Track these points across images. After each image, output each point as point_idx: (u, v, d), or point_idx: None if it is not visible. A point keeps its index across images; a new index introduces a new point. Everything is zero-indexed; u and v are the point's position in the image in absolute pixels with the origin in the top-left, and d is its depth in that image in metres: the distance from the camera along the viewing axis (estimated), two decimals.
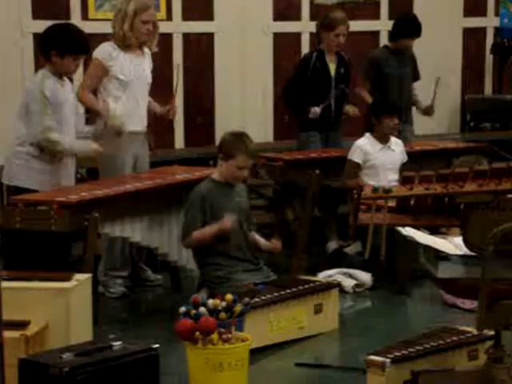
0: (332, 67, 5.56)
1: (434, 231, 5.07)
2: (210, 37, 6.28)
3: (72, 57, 4.19)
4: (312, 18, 6.41)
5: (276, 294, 3.97)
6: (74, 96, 4.45)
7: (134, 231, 4.28)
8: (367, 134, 5.24)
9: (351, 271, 4.89)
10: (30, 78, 4.37)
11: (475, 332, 3.49)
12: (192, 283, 4.49)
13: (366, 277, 4.85)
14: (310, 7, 6.49)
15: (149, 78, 4.83)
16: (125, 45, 4.66)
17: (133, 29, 4.64)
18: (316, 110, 5.47)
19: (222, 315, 3.31)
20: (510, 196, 4.53)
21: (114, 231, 4.20)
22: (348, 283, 4.79)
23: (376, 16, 6.80)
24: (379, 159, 5.15)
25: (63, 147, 4.24)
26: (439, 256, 4.80)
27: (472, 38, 7.20)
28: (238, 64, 6.39)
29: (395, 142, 5.27)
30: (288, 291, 4.02)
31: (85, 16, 5.82)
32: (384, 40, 6.55)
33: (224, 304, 3.35)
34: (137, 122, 4.74)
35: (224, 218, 4.04)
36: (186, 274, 4.71)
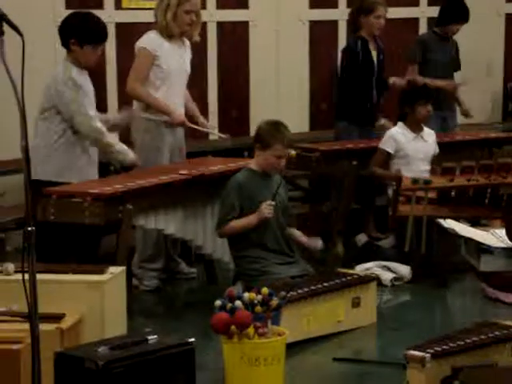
0: (374, 54, 5.51)
1: (475, 223, 4.99)
2: (244, 25, 6.24)
3: (91, 45, 4.17)
4: (349, 5, 6.34)
5: (313, 288, 3.93)
6: (93, 89, 4.38)
7: (168, 223, 4.26)
8: (400, 123, 5.16)
9: (389, 264, 4.83)
10: (52, 72, 4.33)
11: None
12: (227, 276, 4.46)
13: (404, 270, 4.79)
14: None
15: (188, 69, 4.82)
16: (168, 34, 4.64)
17: (176, 19, 4.61)
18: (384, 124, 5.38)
19: (258, 309, 3.28)
20: None
21: (147, 223, 4.18)
22: (386, 276, 4.74)
23: (415, 2, 6.69)
24: (411, 149, 5.08)
25: (107, 141, 4.23)
26: (481, 249, 4.74)
27: None
28: (273, 53, 6.36)
29: (428, 133, 5.19)
30: (325, 284, 3.98)
31: (118, 5, 5.82)
32: (423, 27, 6.45)
33: (260, 297, 3.31)
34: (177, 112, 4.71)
35: (262, 205, 3.98)
36: (220, 267, 4.69)
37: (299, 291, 3.86)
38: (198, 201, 4.42)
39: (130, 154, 4.38)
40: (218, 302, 3.27)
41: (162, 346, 2.97)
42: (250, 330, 3.20)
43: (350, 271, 4.32)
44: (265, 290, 3.34)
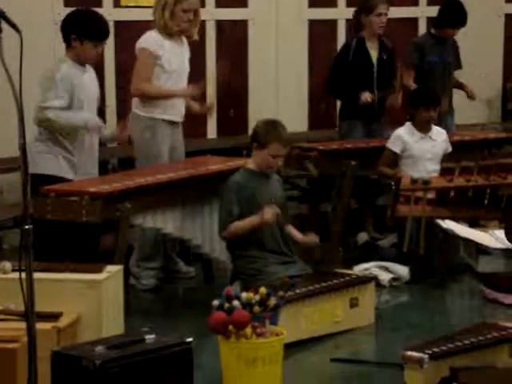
0: (373, 54, 5.49)
1: (474, 224, 4.98)
2: (243, 24, 6.23)
3: (92, 43, 4.18)
4: (348, 4, 6.32)
5: (311, 288, 3.93)
6: (96, 85, 4.40)
7: (167, 222, 4.26)
8: (407, 123, 5.15)
9: (388, 264, 4.83)
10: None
11: None
12: (225, 275, 4.45)
13: (403, 270, 4.79)
14: None
15: (187, 68, 4.81)
16: (167, 33, 4.63)
17: (173, 17, 4.60)
18: (366, 94, 5.35)
19: (256, 309, 3.28)
20: None
21: (146, 222, 4.18)
22: (384, 277, 4.74)
23: (415, 2, 6.68)
24: (418, 149, 5.06)
25: (60, 123, 4.16)
26: (480, 249, 4.74)
27: None
28: (272, 52, 6.35)
29: (437, 132, 5.17)
30: (323, 284, 3.98)
31: (117, 3, 5.81)
32: (423, 27, 6.44)
33: (258, 297, 3.31)
34: (175, 112, 4.71)
35: (264, 209, 3.97)
36: (218, 266, 4.69)
37: (297, 291, 3.86)
38: (197, 200, 4.41)
39: (91, 119, 4.28)
40: (215, 302, 3.27)
41: (160, 346, 2.96)
42: (248, 330, 3.20)
43: (349, 271, 4.33)
44: (263, 289, 3.33)
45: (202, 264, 4.86)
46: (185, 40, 4.79)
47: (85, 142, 4.29)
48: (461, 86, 5.89)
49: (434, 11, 5.98)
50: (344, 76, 5.41)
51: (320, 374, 3.61)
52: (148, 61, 4.61)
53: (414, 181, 4.58)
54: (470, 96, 5.88)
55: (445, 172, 4.70)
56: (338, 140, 5.53)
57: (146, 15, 4.97)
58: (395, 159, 5.06)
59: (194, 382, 3.03)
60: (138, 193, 4.05)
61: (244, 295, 3.29)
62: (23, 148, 2.46)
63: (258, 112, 6.07)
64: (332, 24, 6.42)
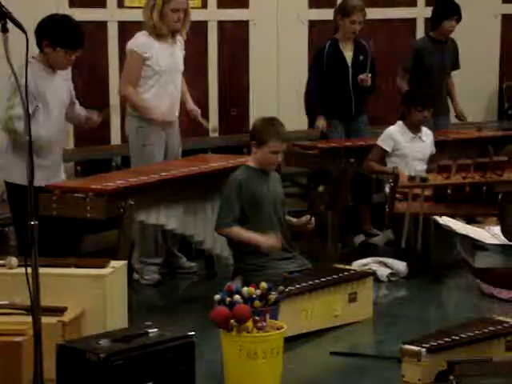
0: (348, 55, 5.48)
1: (470, 220, 5.02)
2: (244, 25, 6.27)
3: (64, 50, 4.01)
4: None
5: (311, 283, 3.96)
6: (68, 85, 4.22)
7: (169, 219, 4.29)
8: (399, 122, 5.19)
9: (386, 260, 4.86)
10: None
11: None
12: (226, 271, 4.48)
13: (400, 266, 4.82)
14: None
15: (181, 67, 4.81)
16: (156, 34, 4.63)
17: (162, 18, 4.59)
18: (319, 125, 5.37)
19: (257, 303, 3.31)
20: None
21: (149, 219, 4.21)
22: (383, 272, 4.77)
23: (413, 3, 6.72)
24: (409, 149, 5.10)
25: (21, 134, 3.81)
26: (476, 245, 4.77)
27: (510, 25, 7.09)
28: (272, 52, 6.38)
29: (426, 133, 5.22)
30: (323, 280, 4.02)
31: (120, 4, 5.84)
32: (421, 28, 6.47)
33: (259, 292, 3.35)
34: (169, 111, 4.73)
35: (270, 237, 4.00)
36: (220, 262, 4.71)
37: (297, 286, 3.89)
38: (199, 197, 4.44)
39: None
40: (217, 297, 3.31)
41: (163, 339, 3.00)
42: (249, 324, 3.23)
43: (347, 267, 4.36)
44: (263, 284, 3.37)
45: (204, 260, 4.89)
46: (179, 39, 4.77)
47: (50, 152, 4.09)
48: (453, 102, 5.88)
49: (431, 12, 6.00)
50: (320, 79, 5.40)
51: (319, 367, 3.65)
52: (135, 63, 4.62)
53: (411, 178, 4.63)
54: (459, 117, 5.87)
55: (442, 169, 4.74)
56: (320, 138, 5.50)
57: None
58: (383, 157, 5.11)
59: (196, 374, 3.07)
60: (142, 190, 4.07)
61: (245, 290, 3.33)
62: (29, 145, 2.49)
63: (258, 111, 6.11)
64: (331, 24, 6.47)
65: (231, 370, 3.29)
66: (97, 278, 3.46)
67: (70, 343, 2.98)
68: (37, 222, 2.55)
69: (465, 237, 4.81)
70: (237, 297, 3.28)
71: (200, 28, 5.84)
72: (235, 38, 6.27)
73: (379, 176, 5.17)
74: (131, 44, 4.68)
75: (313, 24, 6.47)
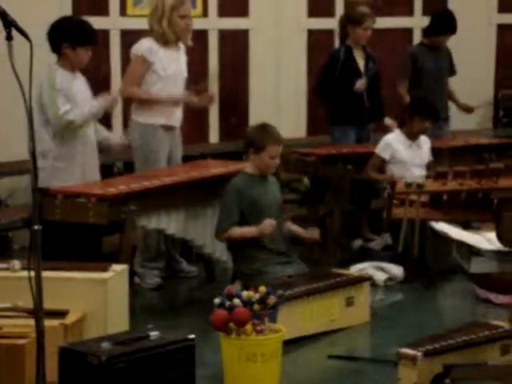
0: (361, 62, 5.54)
1: (466, 226, 5.05)
2: (244, 33, 6.31)
3: (84, 48, 4.16)
4: None
5: (308, 287, 4.00)
6: (87, 87, 4.37)
7: (170, 223, 4.32)
8: (397, 130, 5.23)
9: (383, 265, 4.89)
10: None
11: (508, 327, 3.50)
12: (226, 275, 4.53)
13: (397, 270, 4.85)
14: (344, 3, 6.47)
15: (185, 73, 4.85)
16: (164, 41, 4.66)
17: (171, 24, 4.63)
18: (362, 81, 5.40)
19: (256, 307, 3.33)
20: None
21: (150, 224, 4.25)
22: (379, 276, 4.80)
23: (409, 12, 6.76)
24: (408, 156, 5.13)
25: (83, 119, 4.18)
26: (472, 251, 4.80)
27: (505, 34, 7.14)
28: (272, 60, 6.41)
29: (423, 140, 5.25)
30: (320, 284, 4.05)
31: (123, 12, 5.87)
32: (417, 37, 6.51)
33: (258, 296, 3.37)
34: (171, 117, 4.77)
35: (264, 222, 4.06)
36: (220, 266, 4.75)
37: (295, 290, 3.93)
38: (199, 202, 4.47)
39: (108, 99, 4.29)
40: (217, 300, 3.34)
41: (163, 342, 3.02)
42: (248, 327, 3.26)
43: (345, 271, 4.39)
44: (262, 288, 3.40)
45: (204, 264, 4.92)
46: (181, 46, 4.81)
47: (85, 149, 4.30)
48: (456, 102, 5.93)
49: (428, 22, 6.05)
50: (334, 83, 5.45)
51: (317, 370, 3.67)
52: (139, 67, 4.64)
53: (408, 184, 4.67)
54: (467, 110, 5.88)
55: (439, 176, 4.78)
56: (333, 145, 5.57)
57: None
58: (382, 164, 5.15)
59: (196, 376, 3.09)
60: (143, 195, 4.11)
61: (244, 294, 3.36)
62: (33, 152, 2.51)
63: (258, 118, 6.14)
64: (330, 33, 6.49)
65: (231, 373, 3.32)
66: (98, 282, 3.48)
67: (72, 346, 2.99)
68: (40, 227, 2.58)
69: (461, 242, 4.84)
70: (236, 300, 3.31)
71: (201, 36, 5.88)
72: (235, 46, 6.31)
73: (378, 185, 5.22)
74: (136, 49, 4.71)
75: (312, 33, 6.52)
